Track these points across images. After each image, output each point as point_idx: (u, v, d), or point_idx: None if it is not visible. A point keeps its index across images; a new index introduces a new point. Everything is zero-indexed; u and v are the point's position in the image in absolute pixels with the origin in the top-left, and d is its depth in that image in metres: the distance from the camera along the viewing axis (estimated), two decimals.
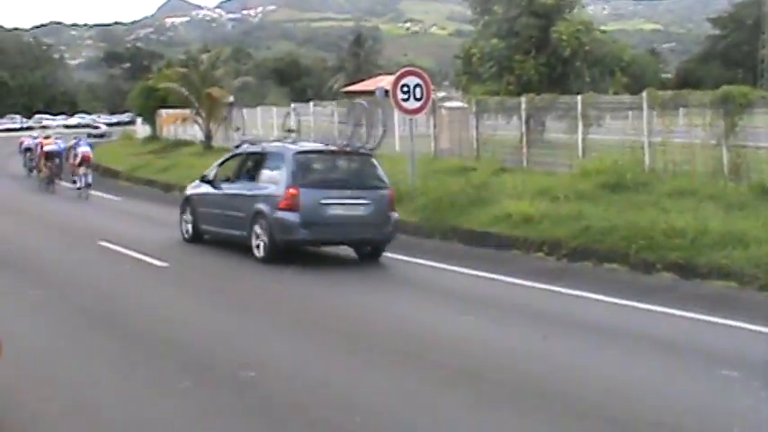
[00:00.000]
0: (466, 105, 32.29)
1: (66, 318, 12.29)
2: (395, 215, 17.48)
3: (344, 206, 16.62)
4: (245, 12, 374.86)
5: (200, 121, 49.00)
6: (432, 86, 25.10)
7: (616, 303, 13.02)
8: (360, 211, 16.75)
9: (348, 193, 16.79)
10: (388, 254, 17.56)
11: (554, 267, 16.46)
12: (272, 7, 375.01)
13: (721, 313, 12.09)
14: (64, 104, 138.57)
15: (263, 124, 45.76)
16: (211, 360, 9.77)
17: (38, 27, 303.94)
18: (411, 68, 26.82)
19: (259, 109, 48.64)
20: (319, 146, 18.33)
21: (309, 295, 13.98)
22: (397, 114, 29.55)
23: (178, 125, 56.97)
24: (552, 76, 44.11)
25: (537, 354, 10.17)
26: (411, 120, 24.83)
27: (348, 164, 17.78)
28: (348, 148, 17.72)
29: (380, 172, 17.43)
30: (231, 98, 50.58)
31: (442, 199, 21.47)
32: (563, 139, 27.26)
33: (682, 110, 24.22)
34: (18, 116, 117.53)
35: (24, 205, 30.52)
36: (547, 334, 11.16)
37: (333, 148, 17.90)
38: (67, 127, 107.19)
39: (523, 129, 28.07)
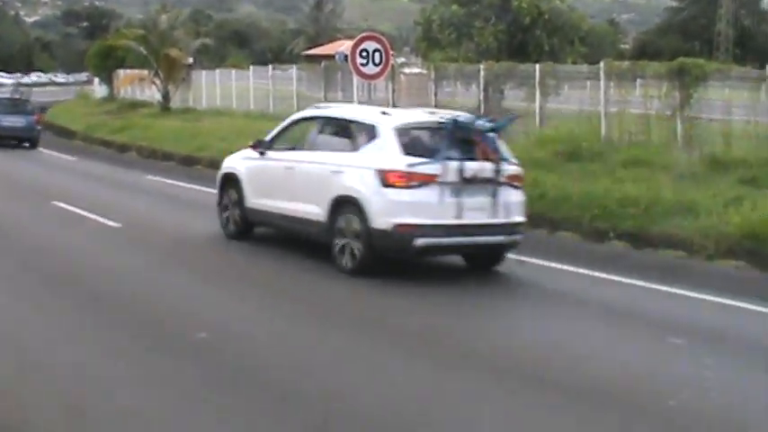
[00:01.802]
0: (425, 71, 32.23)
1: (18, 278, 12.20)
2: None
3: None
4: None
5: (158, 82, 48.56)
6: (391, 52, 25.01)
7: (568, 271, 13.11)
8: None
9: None
10: None
11: None
12: None
13: (670, 282, 12.21)
14: (19, 62, 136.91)
15: (222, 86, 45.47)
16: (162, 321, 9.75)
17: None
18: (370, 33, 26.68)
19: (218, 71, 48.30)
20: None
21: (266, 255, 14.01)
22: (355, 79, 29.47)
23: (136, 86, 56.46)
24: (511, 45, 44.23)
25: (488, 318, 10.25)
26: (370, 85, 24.77)
27: None
28: None
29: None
30: (190, 60, 50.22)
31: None
32: (521, 107, 27.24)
33: (639, 80, 24.31)
34: None
35: None
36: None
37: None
38: (22, 85, 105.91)
39: (481, 96, 28.07)
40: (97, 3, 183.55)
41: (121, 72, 58.86)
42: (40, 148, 36.25)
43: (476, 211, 12.26)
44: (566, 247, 15.23)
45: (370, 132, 13.00)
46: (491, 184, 12.34)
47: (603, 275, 12.71)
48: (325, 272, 12.38)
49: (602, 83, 24.15)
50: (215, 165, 27.31)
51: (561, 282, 12.65)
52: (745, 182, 17.48)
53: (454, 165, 12.08)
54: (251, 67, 46.95)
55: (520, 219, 12.78)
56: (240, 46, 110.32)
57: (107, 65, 60.25)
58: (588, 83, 25.96)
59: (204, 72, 48.60)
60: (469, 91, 29.25)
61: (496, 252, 13.06)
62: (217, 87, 45.79)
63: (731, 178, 17.89)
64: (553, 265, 13.46)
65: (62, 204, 18.66)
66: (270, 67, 43.97)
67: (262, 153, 14.99)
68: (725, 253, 14.01)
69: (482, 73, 28.03)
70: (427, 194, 12.07)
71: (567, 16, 46.08)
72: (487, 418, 6.91)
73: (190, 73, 49.14)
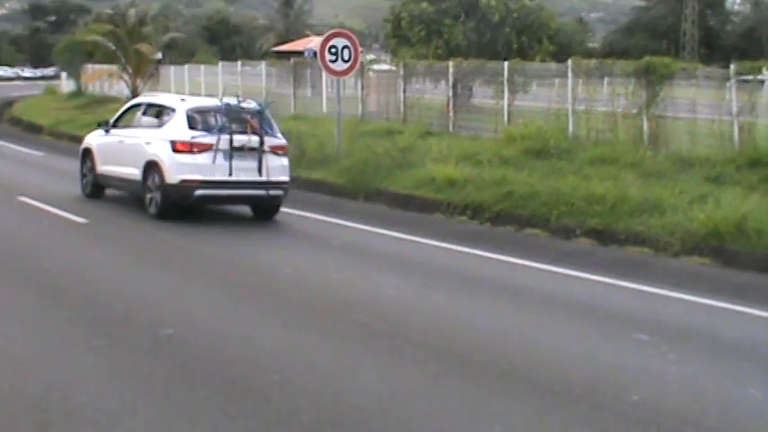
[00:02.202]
0: (394, 68, 32.28)
1: None
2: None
3: None
4: None
5: (126, 77, 48.44)
6: (360, 49, 25.04)
7: (535, 267, 13.16)
8: None
9: None
10: (310, 214, 17.59)
11: (477, 231, 16.58)
12: None
13: (635, 278, 12.28)
14: None
15: (191, 82, 45.32)
16: (128, 317, 9.72)
17: None
18: (340, 30, 26.77)
19: (187, 67, 48.15)
20: None
21: (226, 252, 13.95)
22: (324, 76, 29.47)
23: (104, 81, 56.24)
24: (480, 42, 44.23)
25: (456, 315, 10.26)
26: (339, 81, 24.77)
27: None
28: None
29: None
30: (159, 55, 50.06)
31: (367, 161, 21.47)
32: (489, 104, 27.40)
33: (606, 79, 24.44)
34: None
35: None
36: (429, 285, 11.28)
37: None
38: None
39: (450, 93, 28.16)
40: None
41: (90, 67, 58.55)
42: (4, 142, 36.03)
43: (244, 171, 16.31)
44: (533, 244, 15.27)
45: (170, 114, 17.26)
46: (257, 151, 16.40)
47: (570, 272, 12.76)
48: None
49: (569, 81, 24.32)
50: None
51: (527, 277, 12.70)
52: (709, 179, 17.64)
53: (225, 137, 16.22)
54: (220, 63, 46.89)
55: (283, 178, 16.86)
56: (210, 42, 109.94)
57: (75, 60, 59.93)
58: (556, 81, 26.09)
59: (173, 67, 48.45)
60: (438, 88, 29.38)
61: (267, 204, 17.12)
62: (185, 83, 45.62)
63: (696, 176, 18.05)
64: (520, 261, 13.51)
65: (28, 200, 18.54)
66: (239, 62, 43.92)
67: (106, 131, 19.05)
68: (690, 250, 14.10)
69: (451, 70, 28.16)
70: (204, 158, 16.20)
71: (536, 15, 46.09)
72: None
73: (158, 68, 49.02)
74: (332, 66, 23.96)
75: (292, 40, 77.64)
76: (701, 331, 9.89)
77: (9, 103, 61.18)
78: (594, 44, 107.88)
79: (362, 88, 31.60)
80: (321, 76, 31.78)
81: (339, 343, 8.93)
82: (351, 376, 7.87)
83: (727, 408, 7.34)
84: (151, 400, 7.14)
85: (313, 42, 50.06)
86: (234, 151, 16.23)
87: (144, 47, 47.45)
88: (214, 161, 16.14)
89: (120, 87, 50.29)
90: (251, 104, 17.31)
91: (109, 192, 19.06)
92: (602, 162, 19.62)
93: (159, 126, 17.35)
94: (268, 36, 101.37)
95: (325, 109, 31.98)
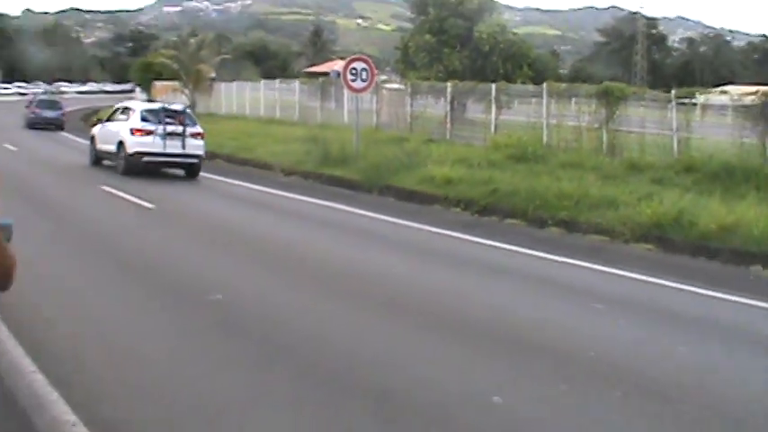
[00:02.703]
0: (403, 87, 32.25)
1: (70, 247, 12.20)
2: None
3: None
4: (227, 4, 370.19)
5: (186, 91, 48.54)
6: (375, 71, 25.01)
7: (514, 250, 13.14)
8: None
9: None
10: (332, 204, 17.64)
11: (468, 220, 16.55)
12: (249, 1, 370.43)
13: (596, 260, 12.25)
14: (79, 74, 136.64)
15: (238, 96, 45.37)
16: (184, 285, 9.76)
17: (60, 12, 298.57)
18: (359, 56, 26.71)
19: (235, 83, 48.21)
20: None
21: (266, 233, 13.98)
22: (346, 92, 29.45)
23: (169, 94, 56.32)
24: (474, 67, 44.20)
25: (450, 288, 10.28)
26: (357, 97, 24.76)
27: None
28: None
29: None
30: (213, 74, 50.14)
31: (379, 162, 21.45)
32: (480, 118, 27.36)
33: (574, 99, 24.43)
34: (42, 83, 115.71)
35: (37, 151, 30.05)
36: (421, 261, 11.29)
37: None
38: (80, 93, 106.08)
39: (448, 108, 28.11)
40: (141, 28, 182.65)
41: (158, 83, 58.72)
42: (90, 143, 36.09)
43: (173, 147, 21.57)
44: (513, 231, 15.28)
45: (133, 112, 22.64)
46: (181, 135, 21.66)
47: (543, 255, 12.75)
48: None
49: (544, 100, 24.33)
50: (231, 160, 27.38)
51: (507, 258, 12.70)
52: (654, 181, 17.63)
53: (161, 127, 21.57)
54: (261, 81, 46.89)
55: (198, 152, 22.14)
56: (254, 63, 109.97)
57: (147, 77, 60.22)
58: (533, 100, 26.07)
59: (224, 84, 48.50)
60: (438, 104, 29.33)
61: (188, 168, 22.14)
62: (234, 97, 45.72)
63: (644, 178, 18.05)
64: (502, 245, 13.52)
65: (107, 188, 18.62)
66: (277, 81, 43.94)
67: (102, 125, 24.36)
68: (639, 238, 14.09)
69: (449, 90, 28.11)
70: (149, 139, 21.45)
71: (518, 46, 46.03)
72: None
73: (212, 85, 49.08)
74: (352, 84, 23.97)
75: (320, 63, 77.70)
76: (646, 303, 9.88)
77: (95, 111, 61.26)
78: (564, 71, 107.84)
79: (377, 103, 31.56)
80: (343, 93, 31.76)
81: (349, 306, 8.96)
82: (357, 333, 7.90)
83: (664, 361, 7.37)
84: (200, 351, 7.17)
85: (337, 65, 50.01)
86: (167, 135, 21.49)
87: (201, 67, 47.55)
88: (154, 140, 21.43)
89: (182, 100, 50.34)
90: (179, 107, 24.18)
91: (168, 181, 19.16)
92: (569, 166, 19.58)
93: (127, 120, 22.46)
94: (300, 60, 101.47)
95: (346, 119, 31.94)
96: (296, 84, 40.64)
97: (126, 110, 23.37)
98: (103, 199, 17.60)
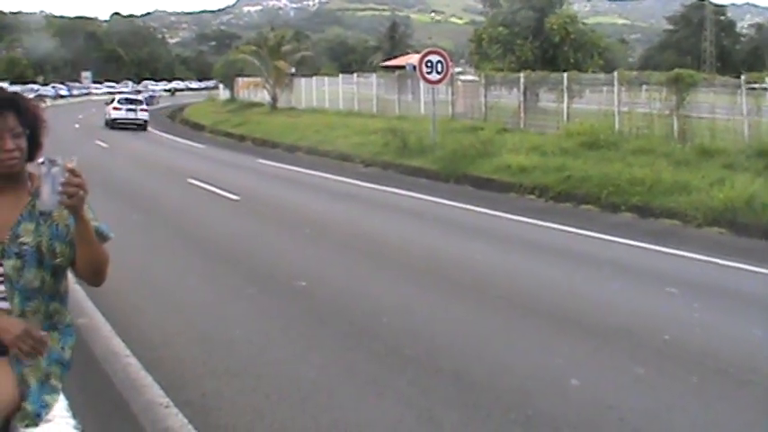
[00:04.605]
0: (477, 79, 32.07)
1: (162, 237, 12.46)
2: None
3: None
4: (305, 2, 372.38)
5: (267, 87, 48.97)
6: (450, 63, 24.94)
7: (589, 235, 13.01)
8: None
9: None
10: (411, 193, 17.66)
11: (542, 207, 16.44)
12: None
13: (668, 244, 12.09)
14: (164, 73, 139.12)
15: (317, 90, 45.65)
16: (271, 272, 9.89)
17: (146, 14, 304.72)
18: (434, 49, 26.67)
19: (314, 78, 48.49)
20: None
21: (349, 220, 14.08)
22: (422, 84, 29.43)
23: (251, 90, 56.99)
24: (545, 58, 43.59)
25: (526, 272, 10.23)
26: (433, 89, 24.74)
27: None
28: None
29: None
30: (292, 69, 50.47)
31: (456, 151, 21.43)
32: (552, 107, 27.07)
33: (644, 87, 24.06)
34: (130, 82, 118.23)
35: (124, 147, 30.76)
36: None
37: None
38: (166, 90, 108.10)
39: (521, 98, 27.88)
40: (222, 27, 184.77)
41: (240, 79, 59.40)
42: (177, 138, 36.87)
43: (131, 114, 42.67)
44: (587, 217, 15.12)
45: (115, 97, 44.98)
46: (136, 109, 42.99)
47: (616, 239, 12.62)
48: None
49: (615, 88, 23.98)
50: (312, 152, 27.62)
51: (582, 243, 12.58)
52: (725, 166, 17.25)
53: (128, 104, 43.36)
54: (340, 75, 47.06)
55: (145, 118, 43.09)
56: (331, 59, 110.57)
57: (229, 74, 61.02)
58: (605, 88, 25.71)
59: (303, 79, 48.80)
60: (511, 94, 29.10)
61: (139, 126, 42.51)
62: (313, 91, 45.99)
63: (715, 164, 17.67)
64: (576, 230, 13.40)
65: (194, 181, 18.95)
66: (355, 75, 44.02)
67: (111, 104, 44.08)
68: (711, 222, 13.87)
69: (522, 80, 27.87)
70: (120, 110, 42.79)
71: (589, 36, 45.15)
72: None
73: (292, 80, 49.41)
74: (428, 76, 23.96)
75: (396, 57, 77.63)
76: (719, 286, 9.71)
77: (181, 108, 62.41)
78: (633, 59, 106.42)
79: (452, 94, 31.46)
80: (419, 85, 31.74)
81: (433, 293, 8.96)
82: (443, 320, 7.91)
83: (738, 344, 7.23)
84: (288, 336, 7.28)
85: (413, 59, 49.84)
86: (128, 110, 42.67)
87: (281, 63, 47.89)
88: (123, 111, 42.48)
89: (263, 95, 50.88)
90: (140, 95, 47.89)
91: (254, 174, 19.36)
92: (641, 152, 19.27)
93: (111, 102, 44.32)
94: (377, 54, 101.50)
95: (422, 111, 31.92)
96: (373, 77, 40.67)
97: (112, 96, 44.75)
98: (190, 191, 17.92)
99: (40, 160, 2.93)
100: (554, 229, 13.67)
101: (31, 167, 3.12)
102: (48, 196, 2.81)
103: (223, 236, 12.53)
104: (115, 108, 42.84)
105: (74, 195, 2.82)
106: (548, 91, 27.84)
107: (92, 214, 3.10)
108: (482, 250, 11.78)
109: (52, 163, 2.81)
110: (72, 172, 2.82)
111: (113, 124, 41.94)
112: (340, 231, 13.19)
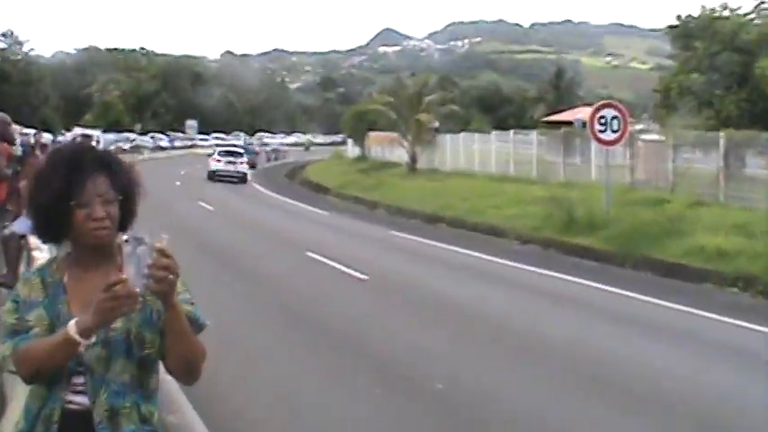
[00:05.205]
0: (663, 138, 31.64)
1: (266, 312, 12.67)
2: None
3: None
4: (452, 42, 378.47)
5: (405, 143, 49.43)
6: (629, 119, 24.69)
7: None
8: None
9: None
10: (576, 279, 17.39)
11: (748, 303, 15.76)
12: (478, 39, 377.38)
13: None
14: (283, 124, 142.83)
15: (465, 149, 45.88)
16: (403, 371, 9.83)
17: (264, 54, 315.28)
18: (609, 101, 26.50)
19: (461, 135, 48.79)
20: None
21: (493, 312, 13.91)
22: (593, 145, 29.20)
23: (385, 147, 57.84)
24: (753, 112, 42.65)
25: (734, 399, 9.79)
26: (607, 151, 24.51)
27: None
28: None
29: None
30: (436, 123, 50.92)
31: (635, 228, 21.03)
32: (763, 174, 26.32)
33: None
34: (242, 133, 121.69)
35: (234, 210, 31.50)
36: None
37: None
38: (284, 144, 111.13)
39: (721, 163, 27.26)
40: (353, 71, 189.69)
41: (372, 134, 60.38)
42: (296, 202, 37.74)
43: (231, 167, 51.91)
44: None
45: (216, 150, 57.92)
46: (236, 162, 52.77)
47: None
48: None
49: None
50: (458, 224, 27.67)
51: None
52: None
53: (228, 156, 53.68)
54: (493, 132, 47.18)
55: (244, 170, 52.62)
56: (483, 111, 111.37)
57: (359, 127, 62.05)
58: None
59: (449, 135, 49.14)
60: (708, 157, 28.46)
61: (240, 179, 51.18)
62: (461, 150, 46.25)
63: None
64: None
65: (314, 255, 19.20)
66: (511, 131, 44.06)
67: (212, 156, 55.00)
68: None
69: (722, 140, 27.25)
70: (222, 163, 52.40)
71: None
72: None
73: (436, 136, 49.78)
74: (601, 135, 23.79)
75: (562, 111, 77.56)
76: None
77: (302, 166, 64.05)
78: None
79: (631, 157, 31.07)
80: (590, 145, 31.51)
81: (601, 409, 8.72)
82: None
83: None
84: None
85: (582, 113, 49.73)
86: (228, 161, 53.17)
87: (423, 116, 48.37)
88: (224, 164, 52.93)
89: (400, 153, 51.43)
90: (237, 148, 59.91)
91: (390, 252, 19.45)
92: None
93: (212, 154, 57.06)
94: (538, 106, 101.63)
95: (593, 177, 31.61)
96: (533, 135, 40.64)
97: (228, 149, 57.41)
98: (309, 267, 18.16)
99: (124, 237, 2.94)
100: (762, 333, 13.05)
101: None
102: (132, 280, 2.81)
103: (347, 323, 12.61)
104: (216, 160, 53.02)
105: (162, 280, 2.84)
106: (757, 155, 27.15)
107: (188, 296, 3.10)
108: (669, 357, 11.34)
109: (138, 241, 2.83)
110: (161, 252, 2.83)
111: (213, 176, 51.16)
112: (488, 324, 13.06)
